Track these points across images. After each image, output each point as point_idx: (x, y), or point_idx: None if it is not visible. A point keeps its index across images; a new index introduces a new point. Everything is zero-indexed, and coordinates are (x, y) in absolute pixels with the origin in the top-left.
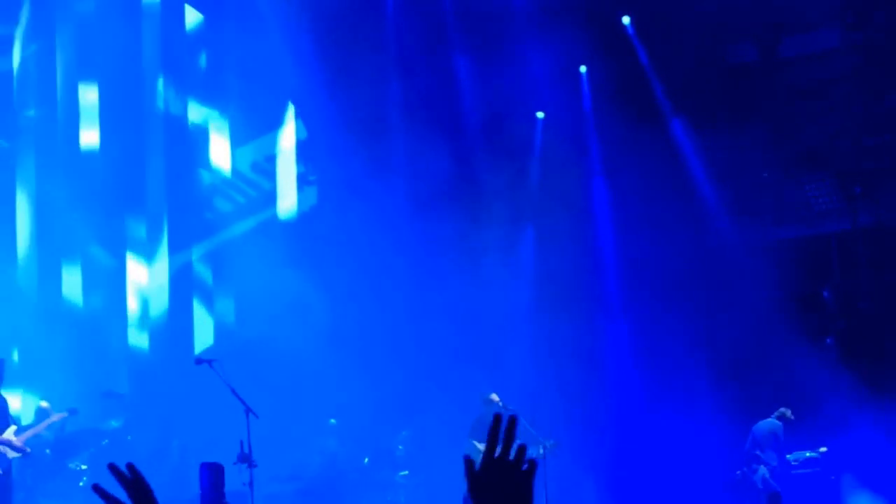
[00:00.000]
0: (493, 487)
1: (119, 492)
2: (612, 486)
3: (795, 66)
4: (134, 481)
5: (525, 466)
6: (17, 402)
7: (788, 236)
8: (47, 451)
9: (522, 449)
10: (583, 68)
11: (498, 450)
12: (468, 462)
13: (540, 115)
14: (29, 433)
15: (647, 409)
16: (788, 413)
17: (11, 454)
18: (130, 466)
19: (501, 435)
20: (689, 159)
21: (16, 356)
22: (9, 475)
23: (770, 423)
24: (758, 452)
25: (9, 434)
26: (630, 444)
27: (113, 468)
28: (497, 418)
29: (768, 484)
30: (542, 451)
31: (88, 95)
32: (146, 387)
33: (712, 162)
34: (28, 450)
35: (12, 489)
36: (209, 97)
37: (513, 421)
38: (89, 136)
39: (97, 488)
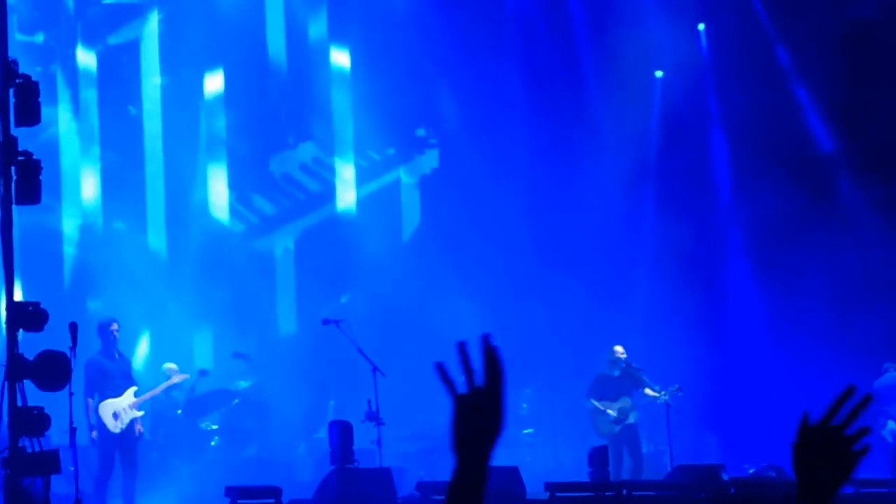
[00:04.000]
0: (819, 450)
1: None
2: (732, 433)
3: None
4: (489, 356)
5: (858, 447)
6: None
7: None
8: (178, 411)
9: (865, 431)
10: (701, 26)
11: (839, 418)
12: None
13: (659, 73)
14: (149, 394)
15: (770, 355)
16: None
17: (132, 414)
18: (487, 340)
19: (847, 407)
20: (809, 116)
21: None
22: (131, 434)
23: (892, 376)
24: (884, 407)
25: (129, 395)
26: (753, 392)
27: (461, 347)
28: (846, 393)
29: None
30: (666, 395)
31: (213, 81)
32: (277, 347)
33: (832, 118)
34: (141, 430)
35: (134, 447)
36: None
37: (857, 394)
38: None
39: (439, 365)
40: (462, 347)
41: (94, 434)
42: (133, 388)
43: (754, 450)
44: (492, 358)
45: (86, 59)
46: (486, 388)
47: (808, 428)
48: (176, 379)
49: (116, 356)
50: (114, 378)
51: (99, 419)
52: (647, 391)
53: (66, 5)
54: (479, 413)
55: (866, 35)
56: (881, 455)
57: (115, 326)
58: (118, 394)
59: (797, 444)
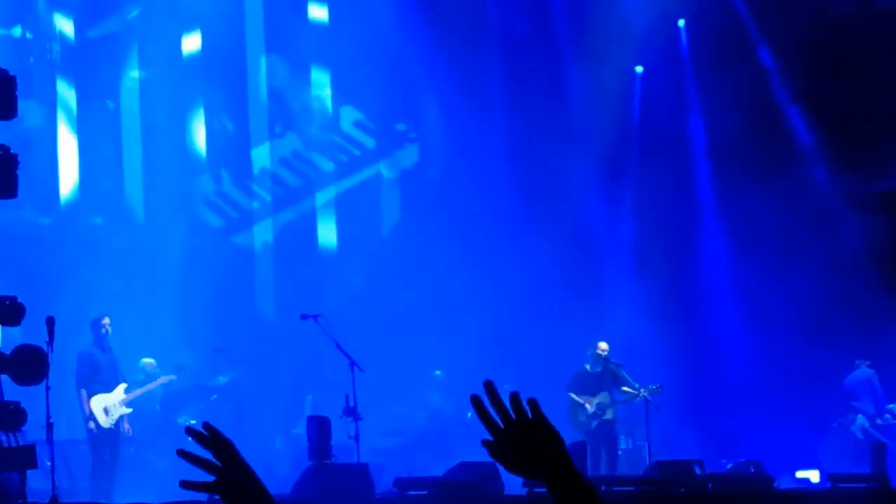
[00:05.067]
0: (519, 451)
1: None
2: (710, 429)
3: (893, 16)
4: (211, 439)
5: (530, 414)
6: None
7: (890, 188)
8: (157, 406)
9: (515, 396)
10: (681, 22)
11: (500, 420)
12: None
13: (639, 69)
14: (138, 391)
15: (748, 351)
16: (868, 364)
17: (121, 411)
18: (207, 426)
19: (492, 410)
20: (789, 111)
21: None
22: (118, 430)
23: (863, 372)
24: (853, 403)
25: (118, 392)
26: (730, 388)
27: (190, 431)
28: (475, 398)
29: (869, 433)
30: (645, 392)
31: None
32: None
33: (812, 114)
34: (129, 429)
35: (120, 444)
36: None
37: (489, 386)
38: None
39: (182, 453)
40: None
41: (92, 425)
42: (123, 385)
43: (732, 445)
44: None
45: (63, 52)
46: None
47: (494, 449)
48: (164, 379)
49: (107, 350)
50: (104, 371)
51: (92, 413)
52: (626, 389)
53: None
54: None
55: (846, 30)
56: (851, 451)
57: (106, 321)
58: (108, 388)
59: (502, 464)
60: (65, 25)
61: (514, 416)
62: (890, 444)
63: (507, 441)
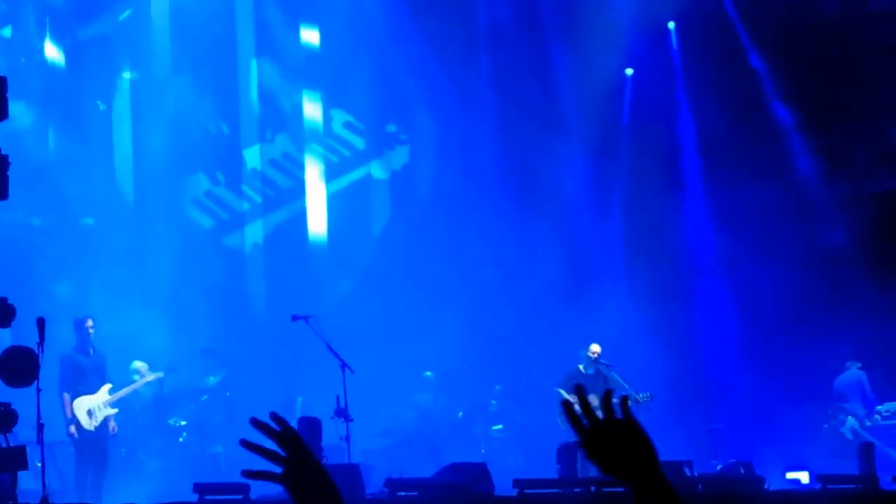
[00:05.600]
0: (607, 449)
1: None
2: (700, 430)
3: (883, 19)
4: (282, 432)
5: (619, 414)
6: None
7: (876, 189)
8: (147, 408)
9: (607, 395)
10: (671, 24)
11: (589, 420)
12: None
13: (629, 71)
14: (123, 391)
15: (739, 362)
16: (859, 365)
17: (106, 412)
18: (275, 417)
19: (582, 417)
20: (778, 114)
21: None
22: (104, 432)
23: (854, 373)
24: (843, 405)
25: (103, 392)
26: (720, 389)
27: (256, 422)
28: (566, 404)
29: (859, 434)
30: (637, 398)
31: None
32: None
33: (801, 116)
34: (115, 427)
35: (107, 445)
36: (304, 75)
37: (579, 390)
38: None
39: (246, 443)
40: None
41: (73, 429)
42: (108, 386)
43: (722, 446)
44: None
45: (54, 53)
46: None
47: (588, 439)
48: (150, 377)
49: (91, 352)
50: (87, 374)
51: (74, 416)
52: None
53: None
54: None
55: (834, 31)
56: (841, 452)
57: (90, 323)
58: (91, 390)
59: (590, 452)
60: (55, 27)
61: (602, 415)
62: (879, 444)
63: (595, 440)
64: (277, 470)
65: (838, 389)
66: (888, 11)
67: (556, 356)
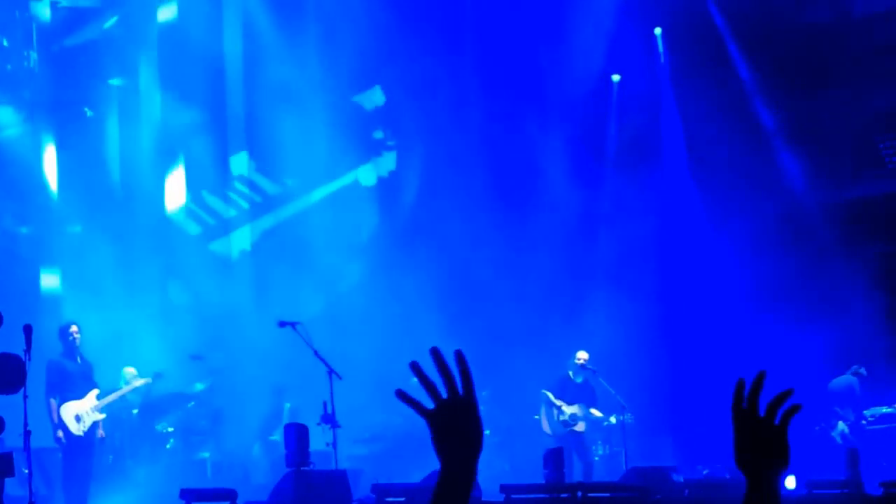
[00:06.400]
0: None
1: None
2: (687, 436)
3: (868, 26)
4: (463, 369)
5: (462, 392)
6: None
7: (864, 194)
8: (135, 411)
9: (460, 356)
10: (658, 30)
11: (447, 390)
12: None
13: (615, 77)
14: (111, 397)
15: (724, 357)
16: (863, 371)
17: (94, 417)
18: (460, 356)
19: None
20: (765, 120)
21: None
22: (92, 437)
23: (846, 379)
24: (836, 408)
25: (91, 397)
26: (707, 394)
27: (436, 353)
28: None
29: (847, 439)
30: (613, 420)
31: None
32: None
33: (787, 122)
34: (102, 433)
35: (93, 451)
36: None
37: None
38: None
39: (401, 394)
40: (437, 353)
41: (61, 434)
42: (95, 391)
43: (708, 452)
44: (466, 370)
45: (41, 60)
46: (465, 396)
47: (741, 411)
48: (137, 383)
49: (78, 359)
50: (74, 380)
51: (61, 421)
52: (594, 411)
53: (22, 6)
54: (465, 419)
55: (821, 38)
56: (831, 455)
57: (74, 329)
58: (79, 396)
59: (736, 429)
60: (42, 33)
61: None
62: (865, 449)
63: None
64: (430, 406)
65: (832, 393)
66: (874, 17)
67: (543, 361)
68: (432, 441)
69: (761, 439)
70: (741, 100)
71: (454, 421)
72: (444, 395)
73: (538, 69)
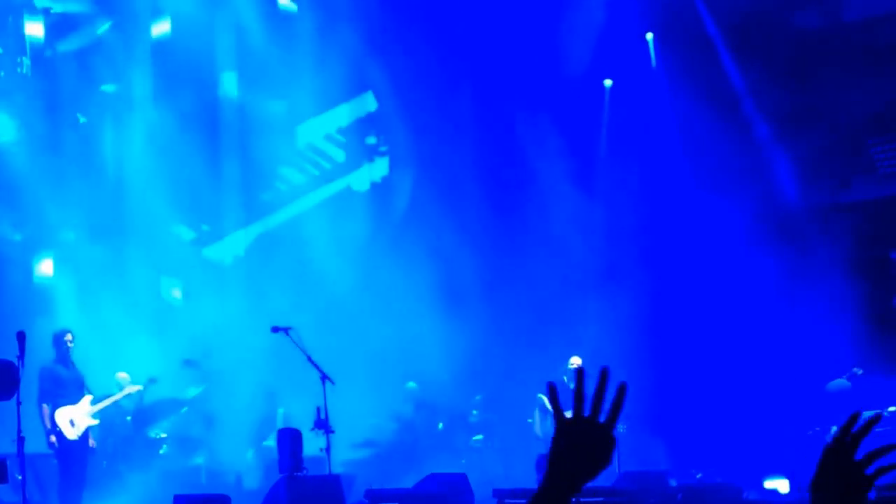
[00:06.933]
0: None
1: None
2: (679, 440)
3: (859, 30)
4: (612, 401)
5: (603, 419)
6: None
7: (854, 199)
8: (128, 417)
9: (617, 406)
10: (649, 35)
11: (586, 409)
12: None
13: (608, 82)
14: (103, 403)
15: (718, 362)
16: (860, 372)
17: (87, 422)
18: (621, 388)
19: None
20: (757, 124)
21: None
22: (85, 442)
23: (843, 382)
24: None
25: (85, 403)
26: (700, 399)
27: (604, 373)
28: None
29: None
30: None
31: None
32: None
33: (778, 126)
34: (93, 442)
35: (87, 456)
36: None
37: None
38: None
39: (603, 373)
40: (605, 375)
41: (54, 439)
42: (89, 397)
43: (703, 456)
44: (619, 403)
45: (34, 66)
46: (605, 423)
47: (562, 424)
48: (130, 389)
49: (71, 365)
50: (67, 386)
51: (55, 426)
52: None
53: (15, 12)
54: (595, 445)
55: (812, 42)
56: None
57: (68, 337)
58: (72, 402)
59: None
60: (35, 39)
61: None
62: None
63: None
64: (567, 415)
65: (828, 395)
66: (864, 22)
67: (537, 366)
68: (551, 448)
69: (847, 479)
70: (733, 104)
71: (583, 439)
72: (586, 412)
73: (531, 75)
